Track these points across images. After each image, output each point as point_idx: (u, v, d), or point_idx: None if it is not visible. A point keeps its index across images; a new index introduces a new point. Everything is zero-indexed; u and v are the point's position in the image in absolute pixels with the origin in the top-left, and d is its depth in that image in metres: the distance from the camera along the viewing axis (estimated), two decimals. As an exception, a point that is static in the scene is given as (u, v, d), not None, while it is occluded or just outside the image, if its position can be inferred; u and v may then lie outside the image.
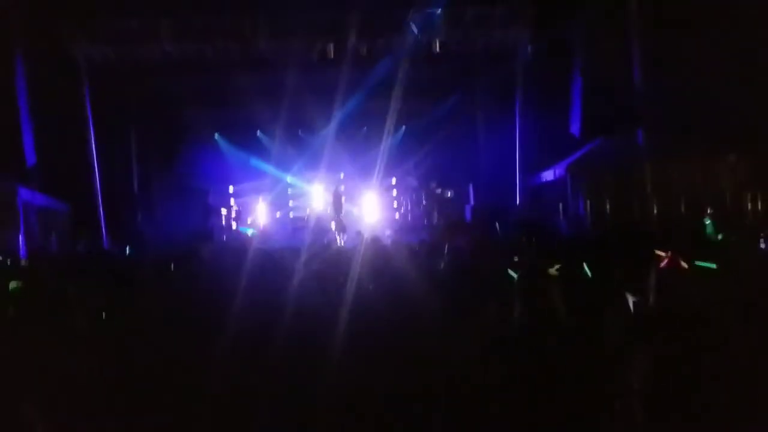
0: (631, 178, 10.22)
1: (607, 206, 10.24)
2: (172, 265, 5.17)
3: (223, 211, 14.30)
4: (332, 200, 12.90)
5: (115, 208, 11.72)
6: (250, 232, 14.25)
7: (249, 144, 14.52)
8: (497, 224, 9.01)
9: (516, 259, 4.41)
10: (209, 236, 12.27)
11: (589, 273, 3.52)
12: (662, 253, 3.83)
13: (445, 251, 5.00)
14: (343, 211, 12.90)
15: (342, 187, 13.54)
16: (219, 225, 13.86)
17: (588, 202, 10.43)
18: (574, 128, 11.19)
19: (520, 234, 7.34)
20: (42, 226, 10.30)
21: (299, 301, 3.50)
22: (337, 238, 11.75)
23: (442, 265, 4.65)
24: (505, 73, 11.70)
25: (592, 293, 2.94)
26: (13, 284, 4.50)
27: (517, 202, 11.89)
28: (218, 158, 14.63)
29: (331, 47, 11.19)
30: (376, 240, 6.17)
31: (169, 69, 11.26)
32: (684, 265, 3.63)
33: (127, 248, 7.95)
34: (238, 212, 14.65)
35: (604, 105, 10.30)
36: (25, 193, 9.97)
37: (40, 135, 10.37)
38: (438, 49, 11.21)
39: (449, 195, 13.78)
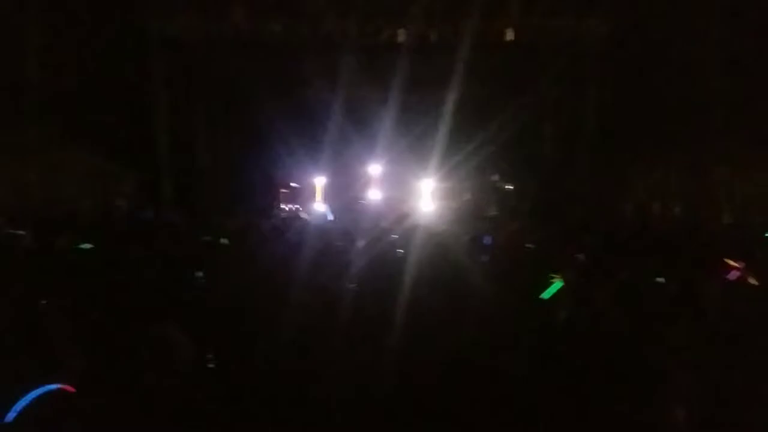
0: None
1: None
2: (230, 239, 5.27)
3: (285, 190, 14.53)
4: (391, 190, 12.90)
5: (181, 180, 12.06)
6: (310, 214, 14.41)
7: (311, 127, 14.59)
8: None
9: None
10: (269, 214, 12.51)
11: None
12: (733, 263, 3.60)
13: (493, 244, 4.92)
14: (402, 200, 12.89)
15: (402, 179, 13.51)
16: (279, 204, 14.11)
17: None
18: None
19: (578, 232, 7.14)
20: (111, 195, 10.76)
21: (351, 285, 3.49)
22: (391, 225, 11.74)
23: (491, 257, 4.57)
24: (578, 65, 11.36)
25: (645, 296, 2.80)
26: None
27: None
28: (283, 139, 14.78)
29: (399, 32, 11.14)
30: (429, 230, 6.14)
31: (239, 46, 11.46)
32: (754, 281, 3.40)
33: (187, 220, 8.18)
34: (298, 193, 14.84)
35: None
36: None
37: (112, 105, 10.72)
38: (510, 38, 11.02)
39: (509, 188, 13.55)
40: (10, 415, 2.22)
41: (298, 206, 14.58)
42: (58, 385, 2.33)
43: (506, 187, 13.68)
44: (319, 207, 14.45)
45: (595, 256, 4.22)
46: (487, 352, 2.79)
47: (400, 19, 11.10)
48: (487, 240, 5.90)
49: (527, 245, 5.87)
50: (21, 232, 5.36)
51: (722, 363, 2.40)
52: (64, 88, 10.15)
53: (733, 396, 2.30)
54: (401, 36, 11.20)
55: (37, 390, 2.27)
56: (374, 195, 14.18)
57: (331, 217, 12.86)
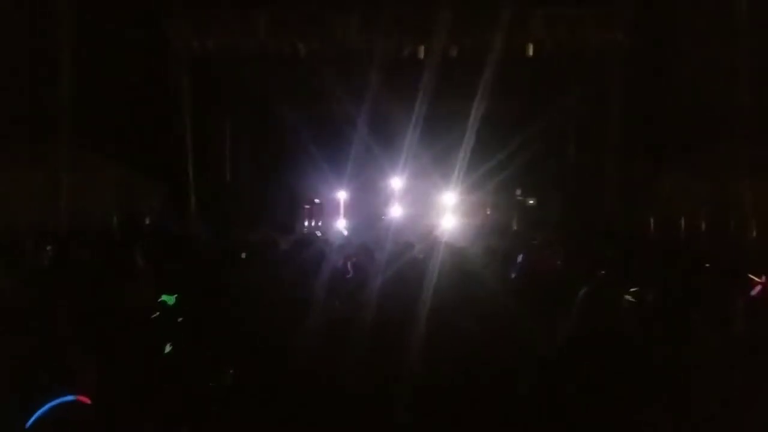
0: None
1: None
2: (248, 252, 5.30)
3: (308, 206, 14.61)
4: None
5: (206, 194, 12.22)
6: (328, 230, 14.45)
7: (334, 142, 14.65)
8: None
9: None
10: (291, 228, 12.58)
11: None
12: (756, 279, 3.52)
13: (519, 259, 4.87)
14: (424, 215, 12.87)
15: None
16: (302, 219, 14.18)
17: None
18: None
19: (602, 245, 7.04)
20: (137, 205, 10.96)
21: (375, 299, 3.49)
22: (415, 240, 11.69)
23: (515, 273, 4.53)
24: (599, 79, 11.29)
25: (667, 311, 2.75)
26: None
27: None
28: (307, 154, 14.87)
29: (421, 48, 11.20)
30: (451, 245, 6.10)
31: (265, 62, 11.65)
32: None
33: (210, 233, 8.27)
34: (321, 208, 14.91)
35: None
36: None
37: (141, 120, 10.92)
38: (531, 53, 11.02)
39: (532, 202, 13.45)
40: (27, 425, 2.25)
41: (319, 222, 14.63)
42: (75, 397, 2.36)
43: (529, 201, 13.59)
44: (338, 223, 14.48)
45: (613, 269, 4.17)
46: (503, 358, 2.77)
47: (423, 35, 11.15)
48: (519, 256, 5.86)
49: (555, 260, 5.81)
50: (48, 247, 5.47)
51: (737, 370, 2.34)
52: (92, 103, 10.36)
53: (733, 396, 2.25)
54: (423, 51, 11.25)
55: (54, 401, 2.30)
56: (396, 210, 14.17)
57: (346, 233, 12.87)
